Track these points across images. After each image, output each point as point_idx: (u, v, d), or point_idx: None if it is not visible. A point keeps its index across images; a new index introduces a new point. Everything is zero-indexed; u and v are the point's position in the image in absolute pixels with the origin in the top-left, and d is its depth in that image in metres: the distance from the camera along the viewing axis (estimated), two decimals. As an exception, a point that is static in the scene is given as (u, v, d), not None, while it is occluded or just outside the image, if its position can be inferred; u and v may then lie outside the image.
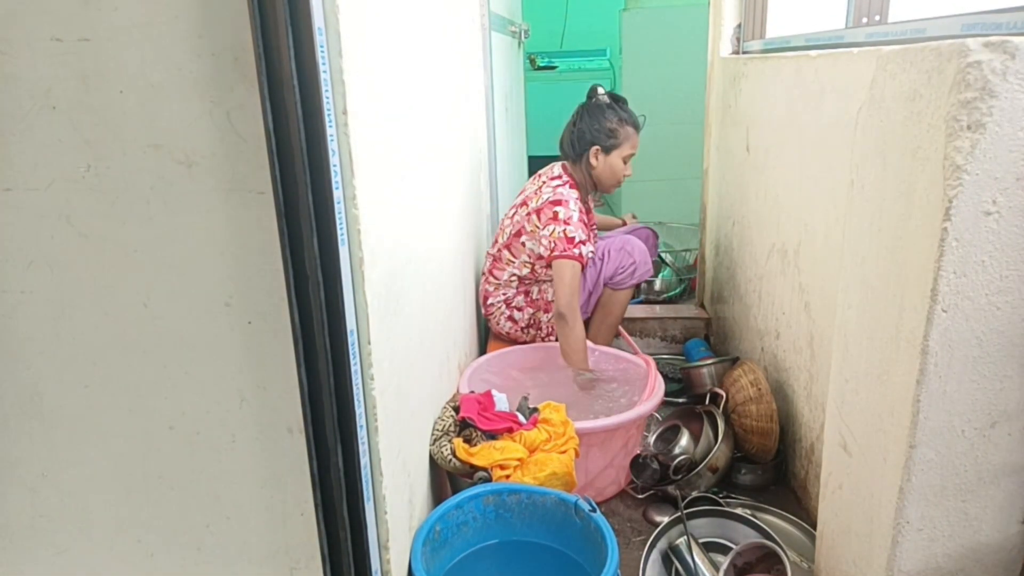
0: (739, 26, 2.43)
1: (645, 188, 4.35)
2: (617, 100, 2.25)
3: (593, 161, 2.22)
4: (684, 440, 1.80)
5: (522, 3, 4.00)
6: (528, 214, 2.19)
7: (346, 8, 0.92)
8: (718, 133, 2.57)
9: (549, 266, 2.16)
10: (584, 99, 2.29)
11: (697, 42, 2.72)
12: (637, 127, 2.24)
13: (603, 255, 2.24)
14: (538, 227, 2.15)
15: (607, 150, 2.21)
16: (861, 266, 1.11)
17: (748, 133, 2.13)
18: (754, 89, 2.07)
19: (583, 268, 2.13)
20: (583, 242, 2.09)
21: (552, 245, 2.10)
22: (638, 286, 2.47)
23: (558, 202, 2.14)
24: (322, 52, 0.88)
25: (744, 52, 2.40)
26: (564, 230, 2.09)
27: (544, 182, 2.25)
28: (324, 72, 0.88)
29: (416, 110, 1.40)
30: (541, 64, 5.69)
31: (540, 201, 2.18)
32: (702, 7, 2.73)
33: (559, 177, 2.24)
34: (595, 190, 2.33)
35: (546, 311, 2.24)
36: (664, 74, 4.08)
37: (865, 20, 1.57)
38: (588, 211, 2.33)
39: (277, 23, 0.82)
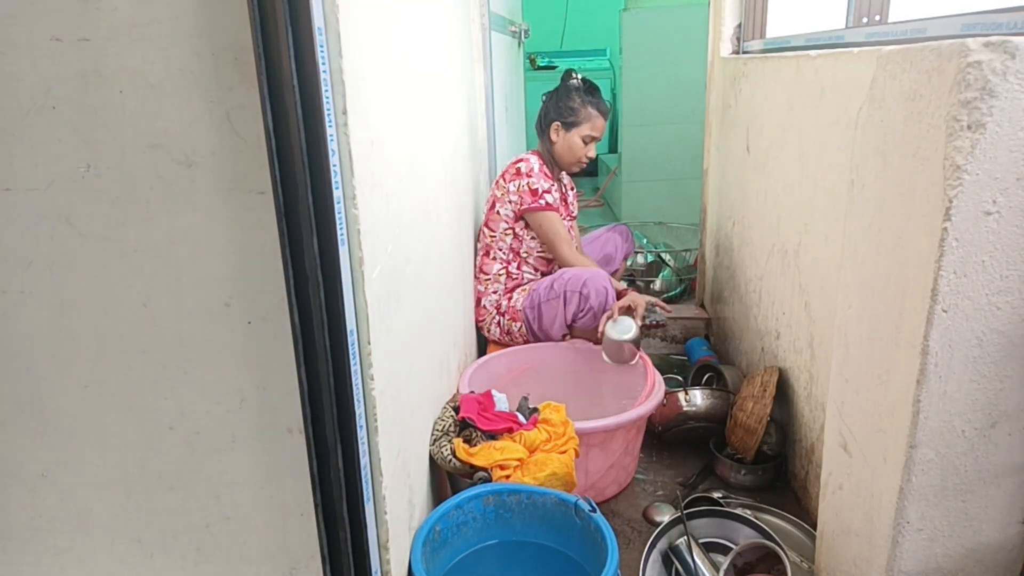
0: (739, 26, 2.43)
1: (645, 188, 4.36)
2: (587, 85, 2.36)
3: (553, 136, 2.33)
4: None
5: (522, 3, 3.99)
6: (496, 183, 2.31)
7: (346, 8, 0.92)
8: (718, 133, 2.57)
9: (527, 227, 2.28)
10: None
11: (697, 42, 2.72)
12: (602, 112, 2.33)
13: (561, 295, 2.17)
14: (506, 187, 2.26)
15: (567, 127, 2.32)
16: (861, 266, 1.11)
17: (748, 133, 2.13)
18: (754, 89, 2.07)
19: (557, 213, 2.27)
20: (547, 191, 2.24)
21: (520, 199, 2.24)
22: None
23: (519, 160, 2.28)
24: (322, 52, 0.88)
25: (744, 52, 2.40)
26: (528, 182, 2.23)
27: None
28: (324, 72, 0.88)
29: (416, 110, 1.40)
30: (541, 64, 5.70)
31: (505, 168, 2.31)
32: (702, 7, 2.73)
33: (527, 152, 2.38)
34: (554, 165, 2.39)
35: (515, 320, 2.25)
36: (664, 74, 4.09)
37: (865, 20, 1.57)
38: (564, 199, 2.41)
39: (277, 23, 0.82)
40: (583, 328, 2.18)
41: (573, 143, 2.32)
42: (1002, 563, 1.04)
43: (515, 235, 2.29)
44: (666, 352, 2.71)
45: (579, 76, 2.37)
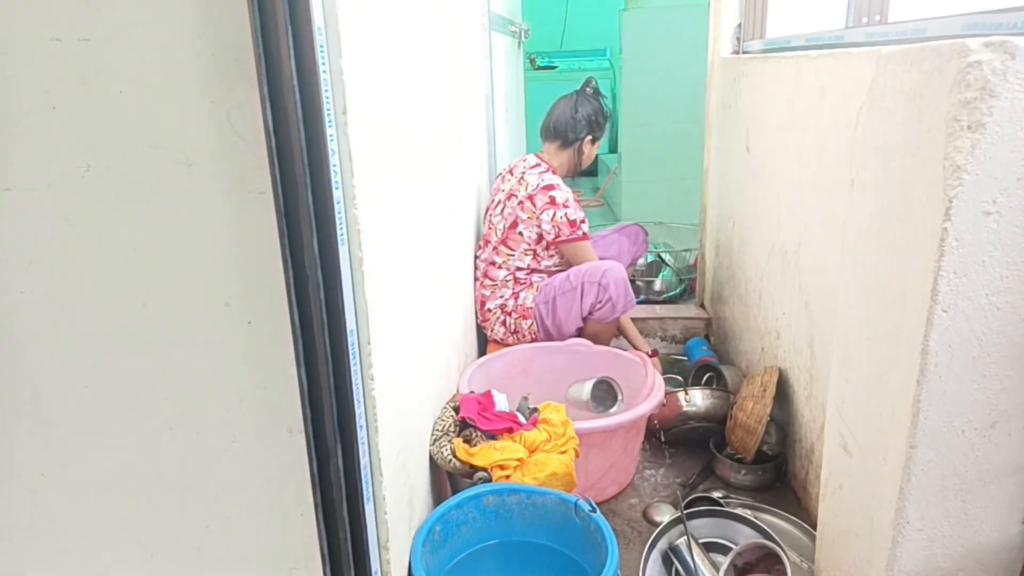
0: (739, 26, 2.43)
1: (645, 188, 4.36)
2: (600, 95, 2.45)
3: (586, 149, 2.39)
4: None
5: (522, 3, 4.00)
6: (519, 203, 2.25)
7: (346, 8, 0.92)
8: (718, 133, 2.57)
9: (548, 247, 2.28)
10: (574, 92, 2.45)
11: (697, 42, 2.72)
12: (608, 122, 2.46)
13: (579, 287, 2.18)
14: (534, 212, 2.23)
15: (594, 140, 2.41)
16: (861, 266, 1.11)
17: (748, 133, 2.13)
18: (754, 89, 2.07)
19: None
20: (583, 220, 2.26)
21: (557, 230, 2.23)
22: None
23: (550, 187, 2.24)
24: (322, 52, 0.88)
25: (744, 52, 2.40)
26: (565, 214, 2.22)
27: (524, 172, 2.31)
28: (324, 72, 0.88)
29: (416, 110, 1.40)
30: (541, 64, 5.70)
31: (529, 189, 2.25)
32: (702, 7, 2.73)
33: (538, 165, 2.33)
34: (575, 173, 2.46)
35: (524, 317, 2.25)
36: (664, 74, 4.09)
37: (865, 20, 1.57)
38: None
39: (277, 23, 0.82)
40: (600, 320, 2.19)
41: (593, 155, 2.45)
42: (1002, 563, 1.04)
43: (535, 255, 2.28)
44: (666, 352, 2.71)
45: (594, 83, 2.45)
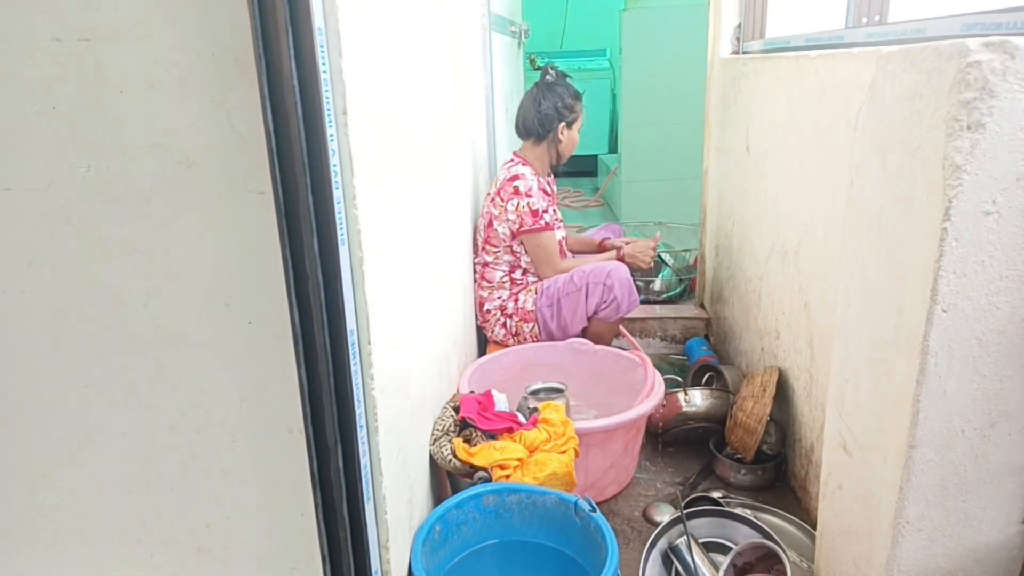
0: (739, 26, 2.43)
1: (645, 188, 4.36)
2: (564, 76, 2.42)
3: (561, 137, 2.36)
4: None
5: (522, 3, 4.00)
6: (492, 200, 2.28)
7: (346, 8, 0.92)
8: (718, 133, 2.57)
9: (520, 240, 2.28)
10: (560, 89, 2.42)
11: (697, 42, 2.72)
12: (581, 100, 2.42)
13: (583, 288, 2.19)
14: (504, 206, 2.24)
15: (570, 124, 2.37)
16: (861, 266, 1.11)
17: (748, 133, 2.13)
18: (754, 89, 2.08)
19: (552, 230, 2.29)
20: (545, 211, 2.24)
21: (519, 220, 2.22)
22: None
23: (515, 177, 2.25)
24: (322, 52, 0.88)
25: (744, 52, 2.40)
26: (528, 203, 2.22)
27: (499, 170, 2.35)
28: (324, 72, 0.88)
29: (416, 110, 1.40)
30: (541, 64, 5.69)
31: (498, 184, 2.28)
32: (702, 7, 2.73)
33: (510, 161, 2.36)
34: (557, 163, 2.45)
35: (525, 320, 2.26)
36: (664, 74, 4.09)
37: (865, 20, 1.57)
38: (549, 193, 2.41)
39: (277, 23, 0.82)
40: (604, 320, 2.20)
41: (574, 138, 2.40)
42: (1002, 563, 1.04)
43: (512, 252, 2.29)
44: (666, 352, 2.71)
45: (555, 69, 2.43)
